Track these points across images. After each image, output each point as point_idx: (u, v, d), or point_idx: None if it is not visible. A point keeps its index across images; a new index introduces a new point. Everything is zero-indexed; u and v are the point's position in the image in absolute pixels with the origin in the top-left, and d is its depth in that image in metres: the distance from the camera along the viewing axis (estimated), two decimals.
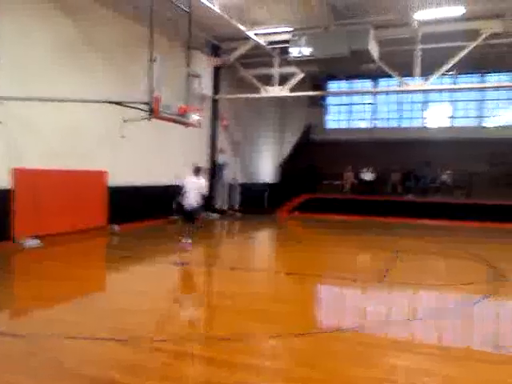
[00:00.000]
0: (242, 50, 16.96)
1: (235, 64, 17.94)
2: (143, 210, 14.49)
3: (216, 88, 18.41)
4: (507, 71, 22.09)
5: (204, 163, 18.17)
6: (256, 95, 18.10)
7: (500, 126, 23.37)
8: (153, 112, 12.74)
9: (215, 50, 18.03)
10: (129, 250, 10.25)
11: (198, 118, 15.76)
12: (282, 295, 6.87)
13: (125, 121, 12.84)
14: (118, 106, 12.50)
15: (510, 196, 17.80)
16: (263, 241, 14.58)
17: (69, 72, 11.90)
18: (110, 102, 12.18)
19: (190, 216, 10.09)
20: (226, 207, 19.34)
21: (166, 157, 15.63)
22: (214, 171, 18.59)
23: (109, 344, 4.60)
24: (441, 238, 14.02)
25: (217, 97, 18.38)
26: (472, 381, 4.00)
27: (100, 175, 12.85)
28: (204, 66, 17.21)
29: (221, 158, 18.93)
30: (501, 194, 17.95)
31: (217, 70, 18.23)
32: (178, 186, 10.26)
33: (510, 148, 20.66)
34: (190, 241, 10.12)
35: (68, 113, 11.71)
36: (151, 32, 10.75)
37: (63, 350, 4.48)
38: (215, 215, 17.54)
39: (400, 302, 6.91)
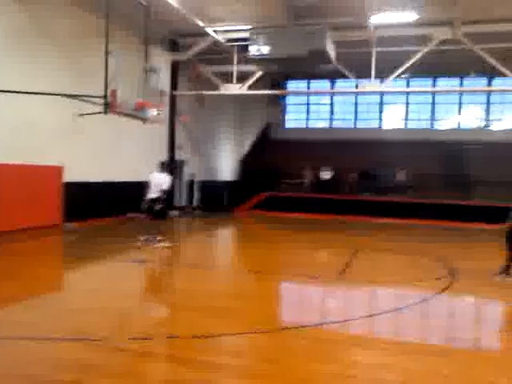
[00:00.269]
0: (201, 46, 16.82)
1: (194, 60, 17.76)
2: (100, 208, 14.14)
3: (174, 84, 18.17)
4: (456, 76, 23.02)
5: (163, 160, 17.91)
6: (215, 92, 18.01)
7: (451, 129, 24.37)
8: (109, 107, 12.45)
9: (173, 46, 17.80)
10: (85, 249, 9.96)
11: (155, 113, 15.53)
12: (243, 293, 6.85)
13: (80, 115, 12.50)
14: (74, 100, 12.13)
15: (461, 195, 18.58)
16: (223, 238, 14.53)
17: (20, 63, 11.43)
18: (64, 96, 11.80)
19: (152, 211, 9.97)
20: (185, 204, 19.17)
21: (123, 153, 15.31)
22: (173, 168, 18.36)
23: (66, 345, 4.44)
24: (397, 236, 14.44)
25: (175, 93, 18.16)
26: (428, 373, 4.13)
27: (55, 171, 12.42)
28: (162, 61, 16.95)
29: (180, 155, 18.73)
30: (453, 193, 18.70)
31: (175, 66, 18.00)
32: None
33: (460, 150, 21.60)
34: (158, 238, 10.03)
35: (19, 106, 11.25)
36: (107, 24, 10.53)
37: (18, 352, 4.29)
38: (174, 212, 17.34)
39: (359, 298, 7.04)
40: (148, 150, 16.84)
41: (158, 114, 15.34)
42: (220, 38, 16.21)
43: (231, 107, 23.50)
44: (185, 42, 17.62)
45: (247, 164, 23.31)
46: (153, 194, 9.98)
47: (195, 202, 19.67)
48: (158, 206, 9.95)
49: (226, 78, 17.71)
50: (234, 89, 17.64)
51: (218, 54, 17.61)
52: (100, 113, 11.82)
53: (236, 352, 4.57)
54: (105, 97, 11.80)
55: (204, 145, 21.31)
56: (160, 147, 17.74)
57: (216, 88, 17.79)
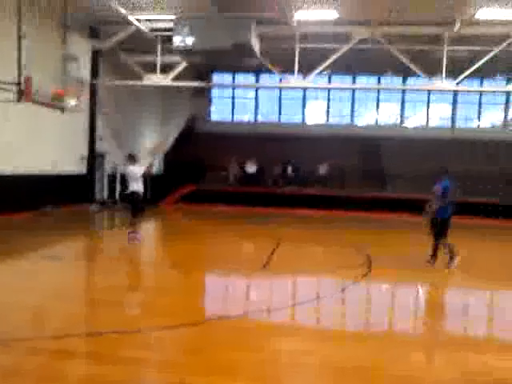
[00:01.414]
0: (123, 35, 16.29)
1: (116, 49, 17.17)
2: (15, 201, 13.28)
3: (95, 73, 17.45)
4: (374, 75, 24.19)
5: (83, 151, 17.20)
6: (138, 83, 17.55)
7: (368, 125, 25.59)
8: (24, 94, 11.70)
9: (94, 33, 17.08)
10: None
11: (74, 103, 14.83)
12: (166, 287, 6.77)
13: None
14: None
15: (378, 188, 19.60)
16: (146, 233, 14.21)
17: None
18: None
19: (134, 204, 9.95)
20: (106, 198, 18.55)
21: (40, 144, 14.47)
22: (94, 160, 17.68)
23: None
24: (319, 227, 14.95)
25: (96, 82, 17.45)
26: (345, 357, 4.35)
27: None
28: (82, 48, 16.23)
29: (100, 147, 18.05)
30: (370, 186, 19.67)
31: (96, 54, 17.28)
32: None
33: (377, 145, 22.74)
34: (136, 230, 9.96)
35: None
36: (19, 5, 9.92)
37: None
38: (95, 206, 16.73)
39: (282, 288, 7.21)
40: (68, 142, 16.09)
41: (77, 103, 14.69)
42: (143, 26, 15.80)
43: (155, 98, 23.00)
44: (106, 29, 16.97)
45: (172, 156, 22.94)
46: (130, 186, 9.86)
47: (117, 196, 19.07)
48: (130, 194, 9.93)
49: (150, 68, 17.31)
50: (158, 80, 17.30)
51: (141, 43, 17.16)
52: (13, 101, 11.11)
53: (158, 346, 4.53)
54: (18, 84, 11.10)
55: (126, 136, 20.70)
56: (80, 138, 17.00)
57: (139, 78, 17.35)
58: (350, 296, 6.67)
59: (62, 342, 4.38)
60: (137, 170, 9.85)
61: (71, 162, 16.40)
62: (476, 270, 8.53)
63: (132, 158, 10.06)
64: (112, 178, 19.14)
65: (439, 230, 8.35)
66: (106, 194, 18.84)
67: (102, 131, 18.20)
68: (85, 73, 16.58)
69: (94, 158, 17.64)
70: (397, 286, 7.58)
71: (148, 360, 4.10)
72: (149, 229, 14.77)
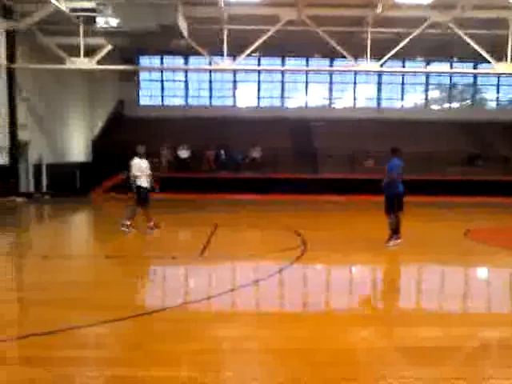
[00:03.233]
0: (41, 14, 15.32)
1: (34, 30, 16.14)
2: None
3: (11, 56, 16.34)
4: (303, 57, 24.52)
5: (3, 141, 16.15)
6: (61, 66, 16.66)
7: (298, 107, 26.01)
8: None
9: (8, 13, 15.94)
10: None
11: None
12: (102, 280, 6.59)
13: None
14: None
15: (310, 170, 20.02)
16: (78, 225, 13.72)
17: None
18: None
19: (143, 200, 10.03)
20: (32, 190, 17.59)
21: None
22: (16, 150, 16.66)
23: None
24: (254, 211, 15.06)
25: (13, 66, 16.36)
26: (284, 338, 4.47)
27: None
28: None
29: (23, 135, 17.02)
30: (303, 167, 20.04)
31: (11, 36, 16.17)
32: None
33: (307, 127, 23.18)
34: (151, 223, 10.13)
35: None
36: None
37: None
38: (21, 199, 15.83)
39: (220, 274, 7.25)
40: None
41: None
42: (62, 6, 14.92)
43: (81, 83, 21.98)
44: (22, 8, 15.90)
45: (101, 143, 22.06)
46: (142, 181, 9.96)
47: (44, 187, 18.15)
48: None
49: (74, 51, 16.46)
50: (82, 63, 16.52)
51: (63, 24, 16.24)
52: None
53: (96, 343, 4.42)
54: None
55: (51, 124, 19.65)
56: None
57: (62, 62, 16.46)
58: (287, 278, 6.83)
59: None
60: (142, 164, 10.00)
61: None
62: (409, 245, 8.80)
63: (142, 152, 10.23)
64: (37, 169, 18.13)
65: (389, 205, 8.53)
66: (32, 185, 17.81)
67: (24, 119, 17.16)
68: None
69: (16, 147, 16.62)
70: (331, 266, 7.84)
71: (86, 359, 4.00)
72: (79, 220, 14.29)
